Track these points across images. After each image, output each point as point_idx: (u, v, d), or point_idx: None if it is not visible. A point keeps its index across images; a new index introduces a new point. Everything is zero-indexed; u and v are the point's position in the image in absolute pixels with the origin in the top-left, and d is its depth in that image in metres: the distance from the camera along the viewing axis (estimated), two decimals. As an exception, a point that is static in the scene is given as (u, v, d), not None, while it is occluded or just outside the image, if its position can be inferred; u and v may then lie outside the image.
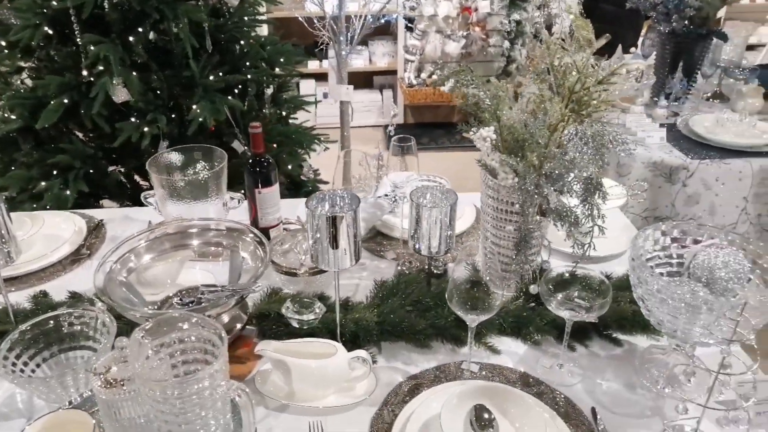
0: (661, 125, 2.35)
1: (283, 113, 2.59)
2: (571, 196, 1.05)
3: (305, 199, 1.07)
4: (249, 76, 2.49)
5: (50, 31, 2.20)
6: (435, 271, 1.33)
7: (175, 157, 1.48)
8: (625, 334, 1.22)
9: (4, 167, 2.26)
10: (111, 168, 2.37)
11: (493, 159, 1.14)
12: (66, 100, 2.17)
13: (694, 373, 1.07)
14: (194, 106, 2.23)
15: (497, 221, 1.21)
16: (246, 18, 2.47)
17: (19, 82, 2.27)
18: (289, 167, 2.59)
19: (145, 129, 2.18)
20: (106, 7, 2.15)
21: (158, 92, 2.28)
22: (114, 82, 2.18)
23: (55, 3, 2.14)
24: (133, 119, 2.21)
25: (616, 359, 1.18)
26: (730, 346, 0.88)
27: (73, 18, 2.18)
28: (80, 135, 2.39)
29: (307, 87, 4.55)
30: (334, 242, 1.05)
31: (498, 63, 4.38)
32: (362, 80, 4.83)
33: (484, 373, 1.13)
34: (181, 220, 1.33)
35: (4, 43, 2.15)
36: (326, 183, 2.63)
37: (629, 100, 2.55)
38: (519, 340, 1.22)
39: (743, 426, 0.90)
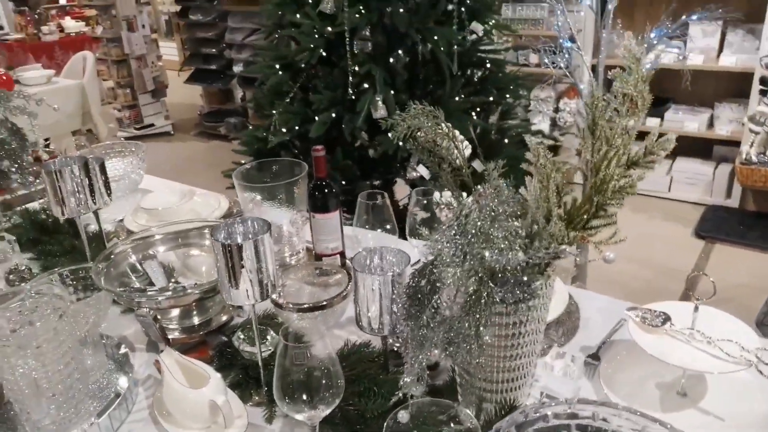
0: None
1: (505, 140, 2.44)
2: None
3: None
4: (491, 99, 2.48)
5: (324, 53, 2.51)
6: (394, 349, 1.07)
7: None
8: None
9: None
10: (362, 181, 2.55)
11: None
12: (333, 115, 2.45)
13: None
14: None
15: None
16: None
17: (288, 100, 2.63)
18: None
19: (401, 144, 2.35)
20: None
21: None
22: (377, 98, 2.40)
23: (330, 29, 2.45)
24: (390, 134, 2.40)
25: None
26: None
27: (347, 40, 2.47)
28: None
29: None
30: (232, 274, 0.96)
31: None
32: (695, 147, 4.08)
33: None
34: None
35: (278, 66, 2.55)
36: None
37: None
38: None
39: None
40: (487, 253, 0.62)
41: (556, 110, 4.08)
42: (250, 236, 0.97)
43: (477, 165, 2.45)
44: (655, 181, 4.05)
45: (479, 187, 0.69)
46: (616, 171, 0.77)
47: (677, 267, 3.26)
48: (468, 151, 0.88)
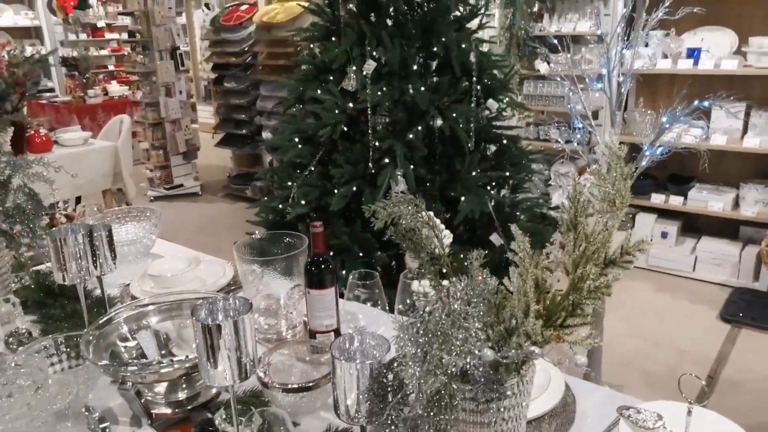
0: None
1: (518, 213, 2.44)
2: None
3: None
4: (507, 173, 2.51)
5: (345, 128, 2.56)
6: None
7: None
8: None
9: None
10: (379, 253, 2.53)
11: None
12: (354, 188, 2.47)
13: None
14: (462, 198, 2.31)
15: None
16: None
17: (307, 173, 2.64)
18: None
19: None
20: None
21: (428, 184, 2.44)
22: (397, 173, 2.43)
23: (352, 105, 2.51)
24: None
25: None
26: None
27: (369, 116, 2.53)
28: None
29: (645, 222, 4.02)
30: (211, 353, 0.95)
31: None
32: (720, 226, 4.00)
33: None
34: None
35: (297, 139, 2.61)
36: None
37: None
38: None
39: None
40: (445, 356, 0.61)
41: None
42: (230, 315, 0.97)
43: (495, 239, 2.46)
44: (680, 260, 3.96)
45: (447, 282, 0.69)
46: (593, 270, 0.76)
47: (700, 351, 3.13)
48: (448, 240, 0.88)
